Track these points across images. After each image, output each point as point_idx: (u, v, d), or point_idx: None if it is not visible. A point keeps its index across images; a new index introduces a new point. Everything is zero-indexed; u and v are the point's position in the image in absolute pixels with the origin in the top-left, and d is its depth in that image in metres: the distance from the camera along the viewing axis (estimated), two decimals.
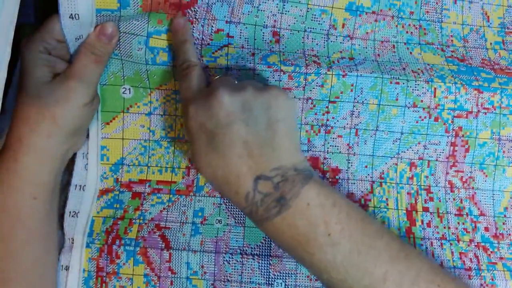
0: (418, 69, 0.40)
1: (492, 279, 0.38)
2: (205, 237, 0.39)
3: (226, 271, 0.38)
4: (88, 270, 0.38)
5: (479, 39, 0.42)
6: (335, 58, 0.40)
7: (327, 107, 0.39)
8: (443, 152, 0.40)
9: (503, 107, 0.40)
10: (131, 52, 0.37)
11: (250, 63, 0.38)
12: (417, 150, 0.40)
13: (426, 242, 0.39)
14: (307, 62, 0.39)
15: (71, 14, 0.35)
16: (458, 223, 0.40)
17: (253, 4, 0.39)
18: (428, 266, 0.33)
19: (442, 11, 0.42)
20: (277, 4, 0.39)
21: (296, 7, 0.40)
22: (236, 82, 0.34)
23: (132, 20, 0.37)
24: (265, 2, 0.39)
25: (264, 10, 0.39)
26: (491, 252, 0.39)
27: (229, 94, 0.32)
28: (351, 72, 0.39)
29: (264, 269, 0.38)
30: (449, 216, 0.40)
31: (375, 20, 0.41)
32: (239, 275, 0.38)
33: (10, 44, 0.33)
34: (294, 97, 0.39)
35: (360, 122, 0.40)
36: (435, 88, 0.39)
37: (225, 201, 0.39)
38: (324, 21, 0.40)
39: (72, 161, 0.39)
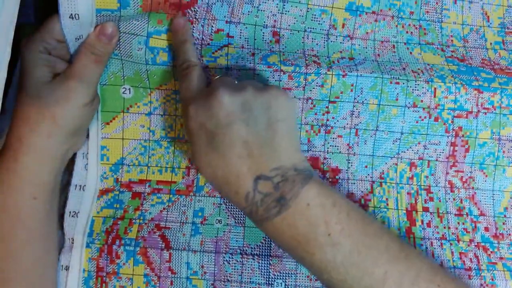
0: (418, 69, 0.40)
1: (492, 279, 0.38)
2: (205, 237, 0.39)
3: (226, 271, 0.38)
4: (88, 270, 0.38)
5: (479, 39, 0.42)
6: (335, 58, 0.40)
7: (327, 107, 0.39)
8: (443, 152, 0.40)
9: (503, 107, 0.40)
10: (131, 52, 0.37)
11: (250, 63, 0.38)
12: (417, 150, 0.40)
13: (426, 242, 0.39)
14: (307, 62, 0.39)
15: (71, 14, 0.35)
16: (458, 223, 0.40)
17: (253, 4, 0.39)
18: (428, 266, 0.33)
19: (442, 11, 0.42)
20: (277, 4, 0.39)
21: (296, 7, 0.40)
22: (236, 82, 0.34)
23: (132, 20, 0.37)
24: (265, 2, 0.39)
25: (264, 10, 0.39)
26: (491, 252, 0.39)
27: (229, 94, 0.32)
28: (351, 72, 0.39)
29: (264, 269, 0.38)
30: (449, 216, 0.40)
31: (375, 20, 0.41)
32: (239, 275, 0.38)
33: (10, 44, 0.33)
34: (294, 97, 0.39)
35: (360, 122, 0.40)
36: (435, 88, 0.39)
37: (225, 201, 0.39)
38: (324, 21, 0.40)
39: (72, 161, 0.39)
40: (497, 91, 0.40)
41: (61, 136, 0.35)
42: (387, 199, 0.40)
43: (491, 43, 0.42)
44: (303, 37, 0.40)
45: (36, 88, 0.34)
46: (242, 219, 0.39)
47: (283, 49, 0.39)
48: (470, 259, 0.39)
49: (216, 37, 0.39)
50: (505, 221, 0.40)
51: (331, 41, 0.40)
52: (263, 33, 0.39)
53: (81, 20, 0.35)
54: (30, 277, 0.36)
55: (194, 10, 0.38)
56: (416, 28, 0.42)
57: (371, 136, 0.40)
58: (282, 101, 0.33)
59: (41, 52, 0.35)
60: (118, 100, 0.39)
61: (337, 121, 0.39)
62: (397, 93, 0.39)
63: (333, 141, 0.40)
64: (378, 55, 0.41)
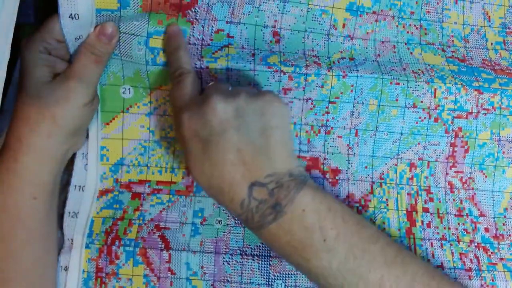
0: (419, 69, 0.40)
1: (493, 280, 0.38)
2: (205, 237, 0.39)
3: (226, 272, 0.38)
4: (88, 271, 0.38)
5: (480, 39, 0.42)
6: (335, 58, 0.40)
7: (327, 107, 0.39)
8: (442, 153, 0.40)
9: (503, 108, 0.40)
10: (131, 52, 0.37)
11: (250, 63, 0.38)
12: (417, 151, 0.40)
13: (426, 242, 0.39)
14: (307, 62, 0.39)
15: (71, 14, 0.35)
16: (458, 223, 0.40)
17: (253, 4, 0.39)
18: (425, 270, 0.33)
19: (443, 11, 0.42)
20: (278, 4, 0.39)
21: (297, 7, 0.40)
22: (230, 88, 0.34)
23: (132, 20, 0.37)
24: (266, 2, 0.39)
25: (264, 10, 0.39)
26: (492, 252, 0.39)
27: (222, 101, 0.32)
28: (351, 72, 0.39)
29: (264, 269, 0.38)
30: (449, 217, 0.40)
31: (375, 20, 0.41)
32: (239, 275, 0.38)
33: (10, 44, 0.33)
34: (294, 97, 0.39)
35: (360, 123, 0.40)
36: (435, 89, 0.39)
37: None
38: (324, 21, 0.40)
39: (71, 161, 0.39)
40: (497, 92, 0.40)
41: (61, 136, 0.35)
42: (387, 199, 0.40)
43: (492, 44, 0.42)
44: (303, 37, 0.40)
45: (36, 88, 0.34)
46: None
47: (283, 49, 0.39)
48: (471, 259, 0.39)
49: (216, 37, 0.39)
50: (505, 221, 0.40)
51: (332, 41, 0.40)
52: (264, 33, 0.39)
53: (81, 20, 0.35)
54: (30, 277, 0.36)
55: (195, 11, 0.38)
56: (416, 28, 0.42)
57: (371, 137, 0.40)
58: (275, 107, 0.33)
59: (41, 52, 0.35)
60: (118, 100, 0.39)
61: (337, 121, 0.39)
62: (397, 94, 0.39)
63: (333, 141, 0.40)
64: (379, 55, 0.41)
